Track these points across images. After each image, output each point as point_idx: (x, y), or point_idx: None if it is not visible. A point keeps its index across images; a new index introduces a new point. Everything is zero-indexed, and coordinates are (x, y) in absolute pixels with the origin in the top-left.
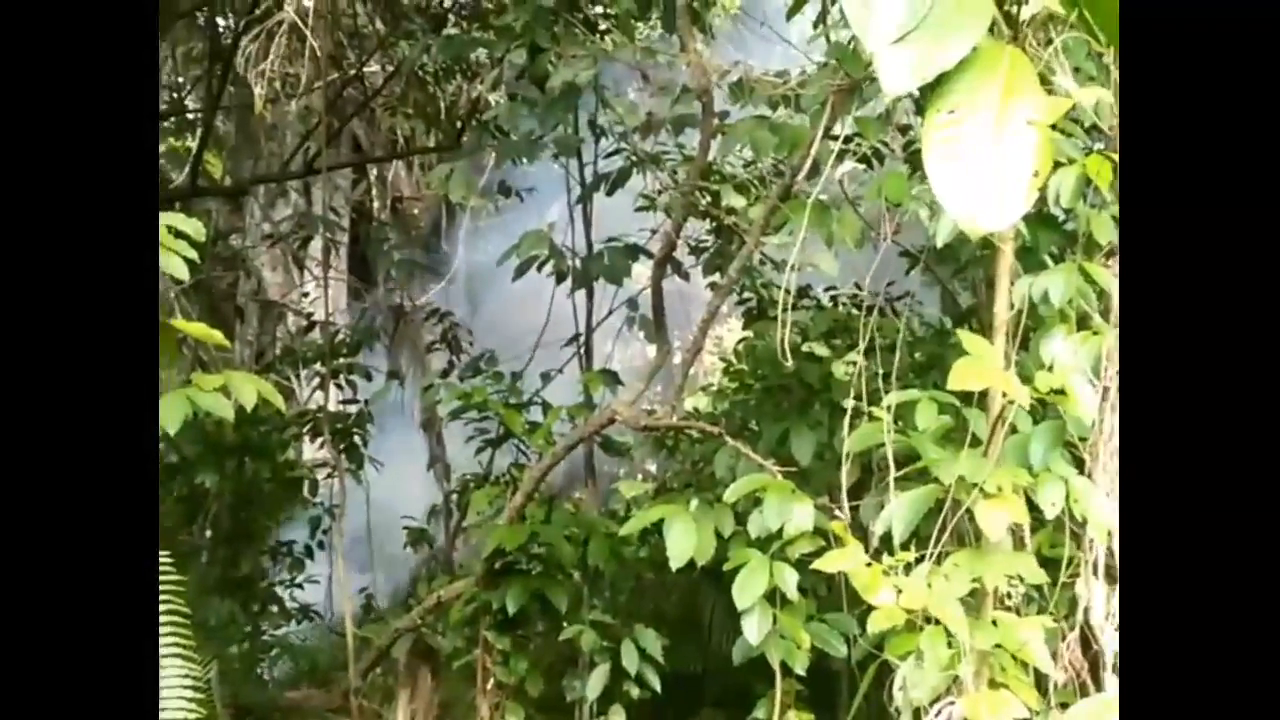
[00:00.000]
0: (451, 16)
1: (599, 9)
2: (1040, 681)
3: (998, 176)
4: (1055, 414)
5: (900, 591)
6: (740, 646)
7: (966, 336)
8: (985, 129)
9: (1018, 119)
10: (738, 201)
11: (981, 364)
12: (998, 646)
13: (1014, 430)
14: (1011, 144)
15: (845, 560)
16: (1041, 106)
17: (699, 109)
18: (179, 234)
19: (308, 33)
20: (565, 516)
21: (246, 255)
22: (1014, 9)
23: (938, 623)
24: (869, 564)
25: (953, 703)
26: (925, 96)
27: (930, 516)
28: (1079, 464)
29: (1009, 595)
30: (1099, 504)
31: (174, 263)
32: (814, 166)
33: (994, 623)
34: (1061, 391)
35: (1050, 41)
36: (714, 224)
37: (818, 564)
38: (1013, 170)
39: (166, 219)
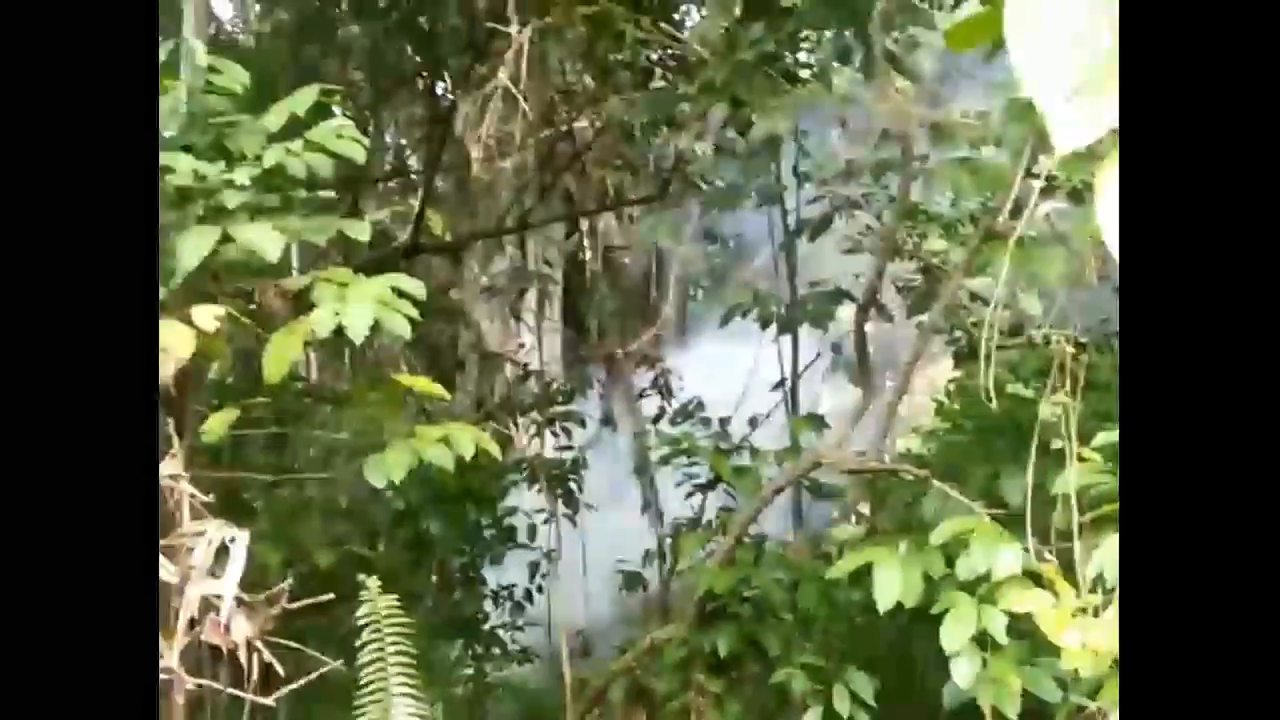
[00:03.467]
0: (658, 70)
1: (799, 56)
2: None
3: None
4: None
5: (1086, 633)
6: (950, 690)
7: None
8: None
9: None
10: (940, 245)
11: None
12: None
13: None
14: None
15: (1032, 600)
16: None
17: (900, 152)
18: (401, 294)
19: (520, 97)
20: (775, 559)
21: (465, 308)
22: None
23: None
24: (1054, 605)
25: None
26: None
27: None
28: None
29: None
30: None
31: (397, 321)
32: (1016, 206)
33: None
34: None
35: None
36: (920, 265)
37: (1004, 604)
38: None
39: (389, 279)
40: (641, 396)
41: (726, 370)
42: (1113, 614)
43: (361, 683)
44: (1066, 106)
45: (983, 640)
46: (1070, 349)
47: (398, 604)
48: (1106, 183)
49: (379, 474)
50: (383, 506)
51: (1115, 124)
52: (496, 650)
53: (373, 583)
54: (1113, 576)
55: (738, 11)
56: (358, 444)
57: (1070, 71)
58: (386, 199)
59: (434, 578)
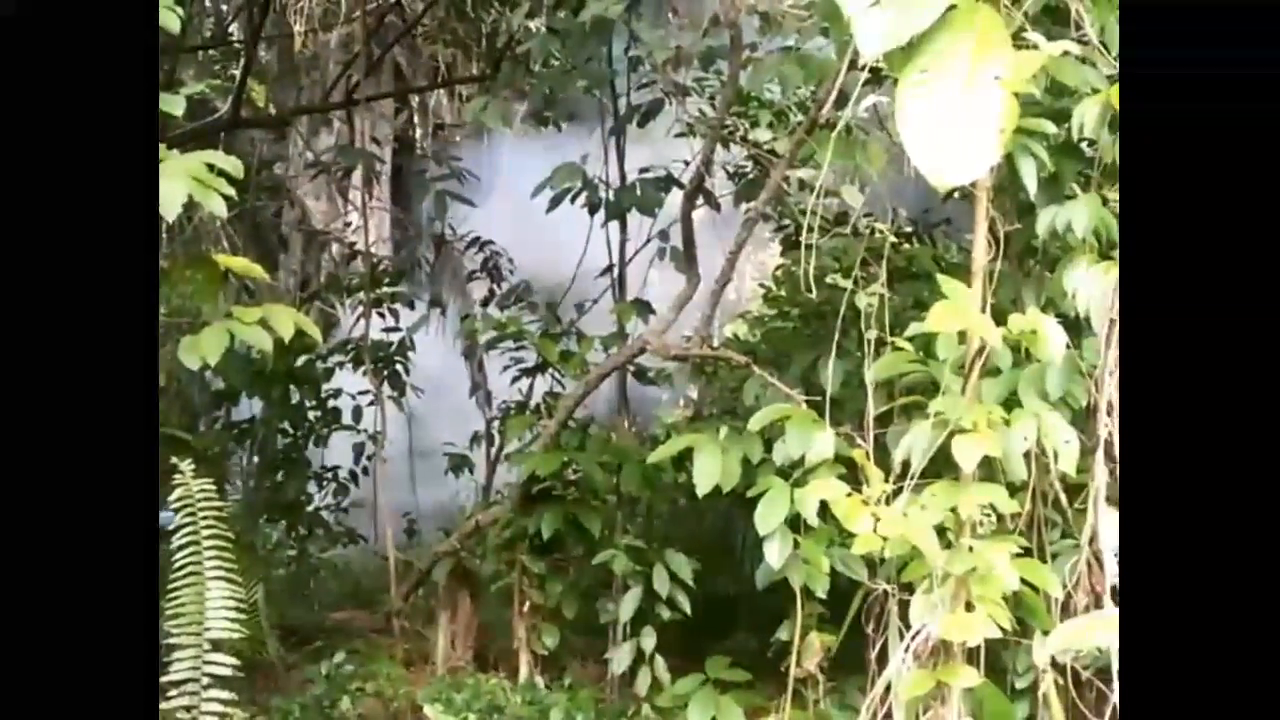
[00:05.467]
0: None
1: None
2: (1052, 606)
3: (966, 133)
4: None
5: (878, 520)
6: (763, 571)
7: (945, 280)
8: (955, 87)
9: (987, 77)
10: (765, 135)
11: (957, 306)
12: (972, 571)
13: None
14: (980, 101)
15: (826, 490)
16: (1012, 64)
17: (729, 40)
18: (219, 171)
19: None
20: (599, 444)
21: (290, 185)
22: None
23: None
24: (849, 494)
25: (926, 625)
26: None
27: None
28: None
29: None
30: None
31: (212, 199)
32: (841, 97)
33: (970, 549)
34: (1034, 332)
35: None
36: (749, 153)
37: (812, 490)
38: (981, 127)
39: (205, 156)
40: (471, 278)
41: (557, 254)
42: (903, 502)
43: (175, 567)
44: (870, 14)
45: (796, 523)
46: (892, 238)
47: (212, 487)
48: (905, 94)
49: (193, 355)
50: (202, 388)
51: (917, 32)
52: (320, 532)
53: (185, 465)
54: (918, 462)
55: None
56: (174, 324)
57: None
58: (207, 69)
59: (255, 459)
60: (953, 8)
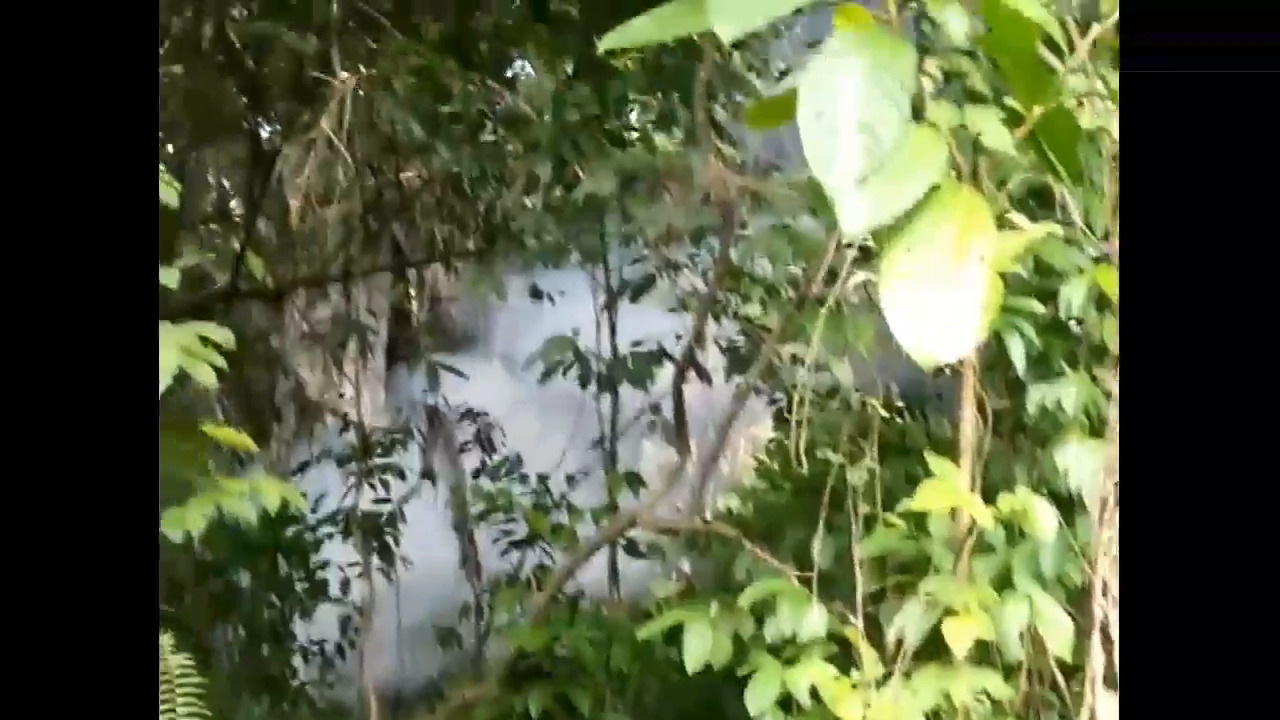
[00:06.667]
0: (489, 122)
1: (626, 120)
2: None
3: (951, 313)
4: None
5: (869, 706)
6: None
7: (933, 458)
8: (940, 268)
9: (972, 258)
10: (756, 310)
11: (946, 485)
12: None
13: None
14: (965, 281)
15: (815, 673)
16: (996, 244)
17: (720, 218)
18: (211, 343)
19: (341, 147)
20: (589, 619)
21: (285, 355)
22: (971, 148)
23: None
24: (837, 677)
25: None
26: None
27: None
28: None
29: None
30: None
31: (203, 371)
32: (830, 273)
33: None
34: (1025, 511)
35: (1004, 182)
36: (740, 327)
37: (791, 673)
38: (966, 307)
39: (196, 328)
40: (463, 450)
41: (550, 426)
42: (895, 687)
43: None
44: (853, 193)
45: (788, 703)
46: (883, 413)
47: (190, 663)
48: (891, 273)
49: (178, 528)
50: (189, 558)
51: (900, 213)
52: (305, 708)
53: (165, 640)
54: (912, 641)
55: (567, 71)
56: (163, 495)
57: (857, 159)
58: (207, 242)
59: (241, 632)
60: (936, 189)
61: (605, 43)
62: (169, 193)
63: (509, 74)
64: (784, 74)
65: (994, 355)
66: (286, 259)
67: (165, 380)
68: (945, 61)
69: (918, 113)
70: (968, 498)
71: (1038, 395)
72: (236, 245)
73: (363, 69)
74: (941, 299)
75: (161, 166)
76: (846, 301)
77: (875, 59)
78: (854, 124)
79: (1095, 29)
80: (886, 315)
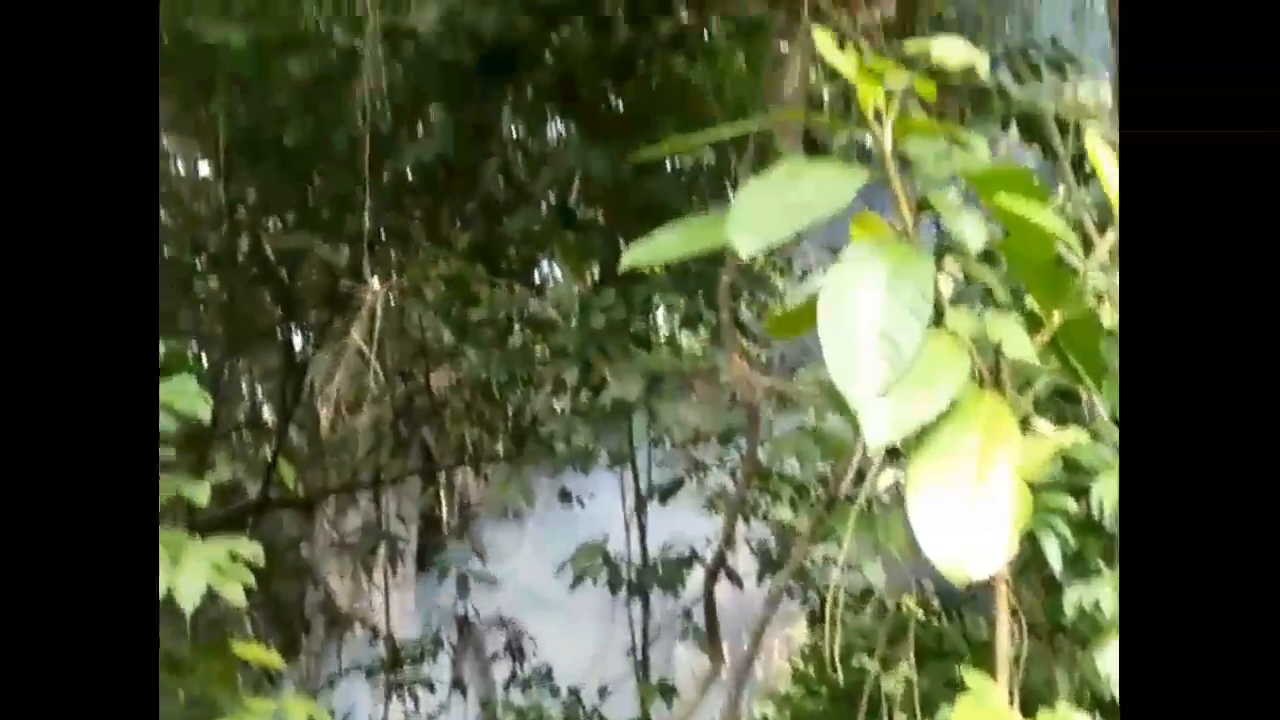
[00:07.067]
0: (517, 326)
1: (652, 322)
2: None
3: (979, 527)
4: None
5: None
6: None
7: (969, 673)
8: (966, 480)
9: (999, 467)
10: (786, 513)
11: (983, 703)
12: None
13: None
14: (992, 493)
15: None
16: (1022, 453)
17: (746, 419)
18: (239, 559)
19: (371, 356)
20: None
21: (315, 565)
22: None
23: None
24: None
25: None
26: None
27: None
28: None
29: None
30: None
31: (232, 589)
32: (860, 473)
33: None
34: None
35: (1028, 384)
36: (772, 529)
37: None
38: (994, 520)
39: (226, 544)
40: (493, 659)
41: (579, 632)
42: None
43: None
44: (876, 404)
45: None
46: (919, 615)
47: None
48: (916, 486)
49: None
50: None
51: (924, 421)
52: None
53: None
54: None
55: (594, 274)
56: (192, 714)
57: (879, 371)
58: (239, 451)
59: None
60: (959, 397)
61: (628, 259)
62: (200, 407)
63: (536, 278)
64: (805, 275)
65: (1028, 554)
66: (317, 466)
67: (194, 601)
68: (963, 264)
69: (938, 317)
70: (1006, 713)
71: (1074, 596)
72: (268, 453)
73: (394, 275)
74: (969, 513)
75: (195, 380)
76: (878, 500)
77: (894, 268)
78: (874, 335)
79: (1113, 234)
80: (914, 530)
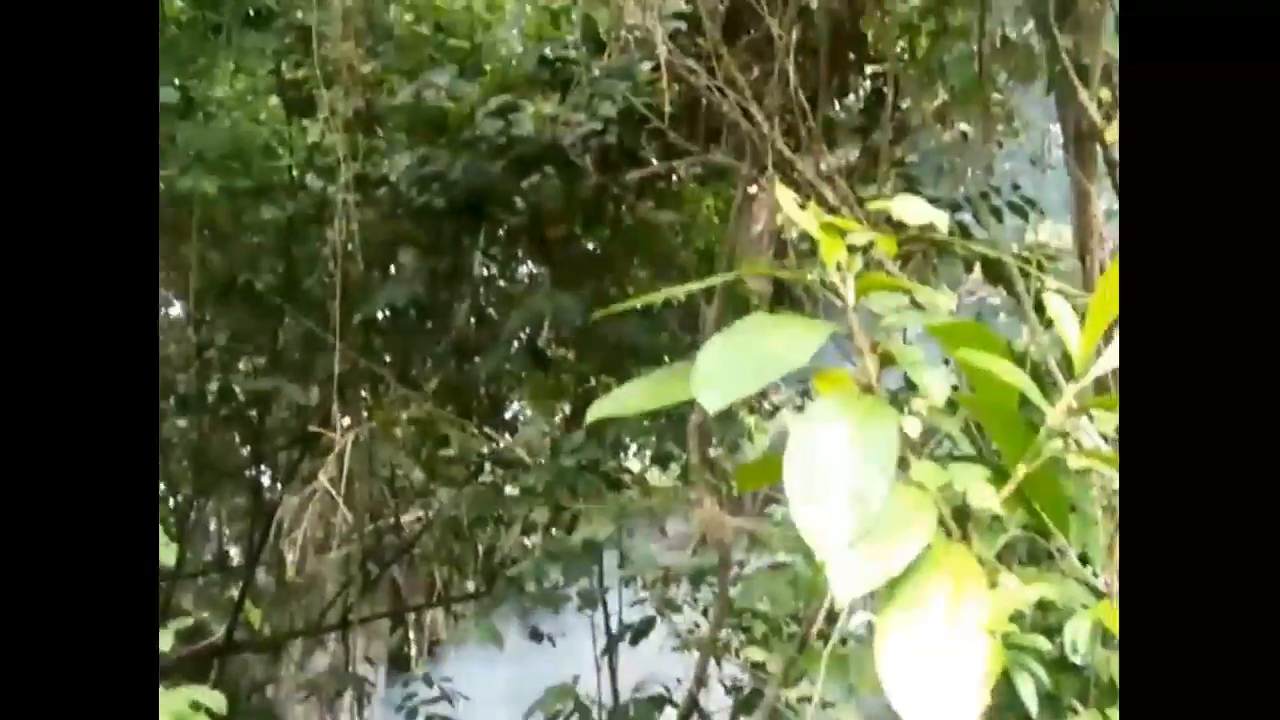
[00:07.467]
0: (488, 465)
1: (621, 463)
2: None
3: (950, 681)
4: None
5: None
6: None
7: None
8: (934, 633)
9: (967, 620)
10: (759, 655)
11: None
12: None
13: None
14: (962, 646)
15: None
16: (991, 605)
17: (717, 559)
18: (202, 708)
19: (339, 499)
20: None
21: (280, 709)
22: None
23: None
24: None
25: None
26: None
27: None
28: None
29: None
30: None
31: None
32: (832, 613)
33: None
34: None
35: (996, 535)
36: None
37: None
38: (964, 675)
39: (188, 693)
40: None
41: None
42: None
43: None
44: (845, 557)
45: None
46: None
47: None
48: (885, 640)
49: None
50: None
51: (893, 573)
52: None
53: None
54: None
55: (565, 413)
56: None
57: (846, 525)
58: (204, 593)
59: None
60: (927, 549)
61: (594, 412)
62: (166, 552)
63: (506, 416)
64: (775, 412)
65: (1004, 695)
66: (284, 608)
67: None
68: (928, 414)
69: (903, 465)
70: None
71: None
72: (234, 594)
73: (365, 414)
74: (939, 667)
75: (162, 523)
76: (852, 636)
77: (859, 422)
78: (842, 490)
79: (1074, 386)
80: (884, 684)
